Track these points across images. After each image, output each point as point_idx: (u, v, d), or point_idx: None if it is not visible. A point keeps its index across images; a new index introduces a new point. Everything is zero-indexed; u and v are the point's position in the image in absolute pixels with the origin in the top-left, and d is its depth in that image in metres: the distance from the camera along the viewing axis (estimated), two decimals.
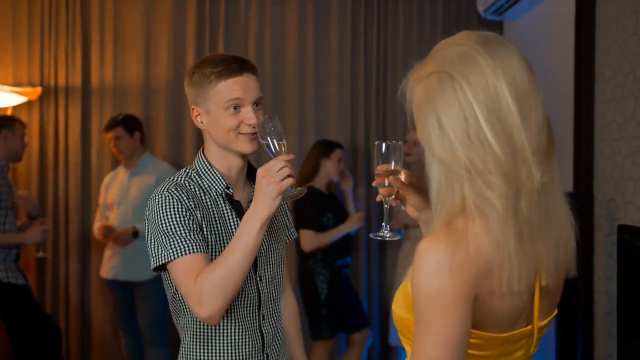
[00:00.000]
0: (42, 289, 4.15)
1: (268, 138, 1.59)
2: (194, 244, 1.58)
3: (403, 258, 3.79)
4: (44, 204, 4.15)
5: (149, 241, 1.65)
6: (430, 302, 1.02)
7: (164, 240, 1.59)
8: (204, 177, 1.72)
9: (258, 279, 1.73)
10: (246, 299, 1.70)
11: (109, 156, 4.19)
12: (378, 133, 4.31)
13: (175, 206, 1.61)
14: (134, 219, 3.73)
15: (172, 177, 1.73)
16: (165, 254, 1.59)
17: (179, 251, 1.57)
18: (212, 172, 1.72)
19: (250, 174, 1.80)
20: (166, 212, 1.61)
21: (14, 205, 3.57)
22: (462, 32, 1.13)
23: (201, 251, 1.58)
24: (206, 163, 1.73)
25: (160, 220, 1.60)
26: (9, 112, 3.98)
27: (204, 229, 1.64)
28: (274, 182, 1.52)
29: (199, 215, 1.64)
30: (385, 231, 1.57)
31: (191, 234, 1.59)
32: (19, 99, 3.97)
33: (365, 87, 4.32)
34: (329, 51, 4.31)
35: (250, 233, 1.54)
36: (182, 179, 1.71)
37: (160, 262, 1.60)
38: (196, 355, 1.70)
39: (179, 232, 1.59)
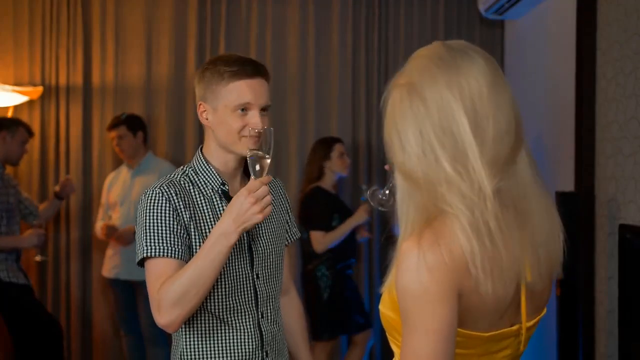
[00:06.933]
0: (43, 288, 4.15)
1: (258, 153, 1.59)
2: (170, 248, 1.59)
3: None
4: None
5: (137, 235, 1.66)
6: (415, 302, 1.04)
7: (144, 235, 1.60)
8: (200, 174, 1.73)
9: (255, 276, 1.73)
10: (242, 296, 1.70)
11: (110, 155, 4.19)
12: (379, 133, 4.29)
13: (163, 205, 1.62)
14: None
15: (169, 175, 1.74)
16: (143, 249, 1.60)
17: (154, 250, 1.59)
18: (208, 169, 1.73)
19: (246, 168, 1.79)
20: (153, 209, 1.62)
21: (13, 207, 3.55)
22: (434, 43, 1.16)
23: (176, 257, 1.59)
24: (203, 160, 1.74)
25: (146, 216, 1.62)
26: (10, 112, 3.98)
27: (192, 231, 1.64)
28: (258, 209, 1.52)
29: (187, 216, 1.64)
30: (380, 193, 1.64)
31: (172, 236, 1.60)
32: (20, 98, 3.97)
33: (367, 86, 4.32)
34: (330, 51, 4.31)
35: (217, 251, 1.53)
36: (179, 176, 1.72)
37: (140, 257, 1.62)
38: (193, 352, 1.70)
39: (159, 231, 1.60)
